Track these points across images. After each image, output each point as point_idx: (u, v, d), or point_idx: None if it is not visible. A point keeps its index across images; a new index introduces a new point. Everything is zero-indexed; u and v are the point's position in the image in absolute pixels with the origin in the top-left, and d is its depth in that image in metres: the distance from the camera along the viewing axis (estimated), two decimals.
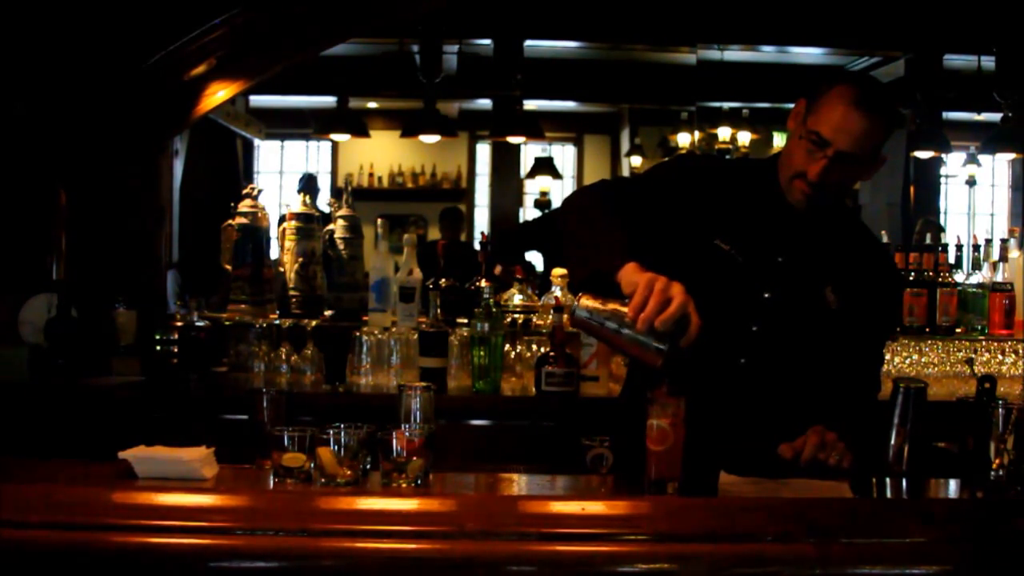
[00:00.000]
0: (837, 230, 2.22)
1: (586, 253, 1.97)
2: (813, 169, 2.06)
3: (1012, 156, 6.62)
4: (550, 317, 3.21)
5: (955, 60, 5.99)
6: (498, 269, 3.99)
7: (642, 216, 2.12)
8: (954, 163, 8.02)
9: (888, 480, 2.02)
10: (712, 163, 2.61)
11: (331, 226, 3.59)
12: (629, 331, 1.83)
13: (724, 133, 7.19)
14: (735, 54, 6.74)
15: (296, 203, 3.54)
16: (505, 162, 8.72)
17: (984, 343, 3.71)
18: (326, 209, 3.92)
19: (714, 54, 6.66)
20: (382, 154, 8.98)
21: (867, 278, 2.20)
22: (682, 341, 1.81)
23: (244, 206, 3.51)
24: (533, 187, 8.70)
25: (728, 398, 2.13)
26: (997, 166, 8.82)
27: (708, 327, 1.84)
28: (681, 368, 1.79)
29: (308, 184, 7.66)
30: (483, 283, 3.29)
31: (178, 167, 4.07)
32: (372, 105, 8.46)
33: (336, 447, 1.72)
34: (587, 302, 1.89)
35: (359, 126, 6.96)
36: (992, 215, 9.06)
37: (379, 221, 3.52)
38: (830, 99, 2.05)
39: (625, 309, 1.83)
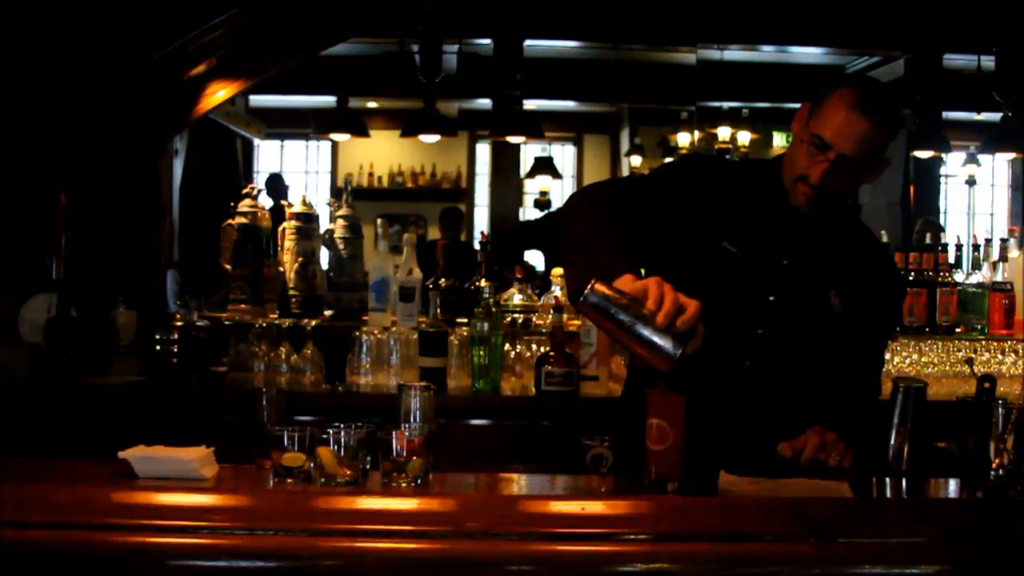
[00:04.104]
0: (840, 232, 2.22)
1: (583, 261, 1.94)
2: (815, 172, 2.06)
3: (1012, 156, 6.62)
4: (550, 317, 3.21)
5: (955, 60, 5.99)
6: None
7: (647, 217, 2.11)
8: (954, 163, 8.03)
9: (888, 480, 2.02)
10: (717, 164, 2.60)
11: (331, 226, 3.59)
12: (644, 327, 1.76)
13: (724, 133, 7.20)
14: (735, 54, 6.75)
15: (296, 203, 3.54)
16: (505, 162, 8.72)
17: (984, 343, 3.71)
18: (326, 209, 3.92)
19: (714, 54, 6.67)
20: (382, 154, 8.97)
21: (870, 281, 2.19)
22: (689, 348, 1.79)
23: (244, 206, 3.51)
24: (533, 187, 8.70)
25: (731, 400, 2.12)
26: (997, 166, 8.82)
27: (713, 330, 1.83)
28: (683, 374, 1.78)
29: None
30: (483, 283, 3.29)
31: (178, 167, 4.06)
32: (372, 105, 8.46)
33: (336, 447, 1.71)
34: (601, 289, 1.79)
35: (359, 126, 6.95)
36: (992, 215, 9.07)
37: (379, 221, 3.52)
38: (832, 102, 2.04)
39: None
